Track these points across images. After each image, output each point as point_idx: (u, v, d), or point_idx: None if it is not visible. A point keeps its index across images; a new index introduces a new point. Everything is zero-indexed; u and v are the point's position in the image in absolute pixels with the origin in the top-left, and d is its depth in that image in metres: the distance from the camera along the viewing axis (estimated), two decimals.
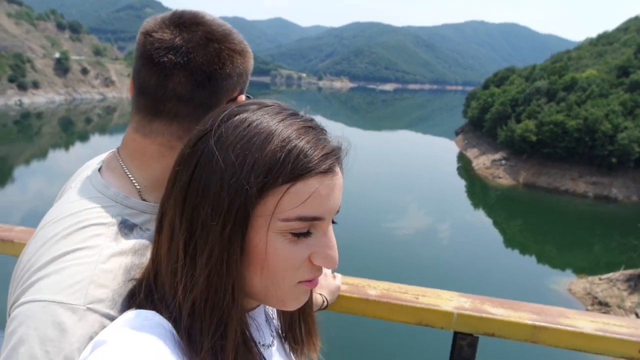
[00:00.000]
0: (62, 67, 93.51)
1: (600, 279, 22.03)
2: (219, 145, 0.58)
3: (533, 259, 26.95)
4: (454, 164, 53.94)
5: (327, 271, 1.28)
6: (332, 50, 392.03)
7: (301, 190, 0.58)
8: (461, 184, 45.47)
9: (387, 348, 13.41)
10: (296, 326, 0.82)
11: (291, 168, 0.57)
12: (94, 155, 0.96)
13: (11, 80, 79.71)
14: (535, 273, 24.28)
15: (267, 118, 0.60)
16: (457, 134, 66.64)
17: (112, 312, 0.66)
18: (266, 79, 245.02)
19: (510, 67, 71.54)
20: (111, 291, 0.67)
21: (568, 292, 21.67)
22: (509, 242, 29.40)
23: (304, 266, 0.62)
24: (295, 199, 0.57)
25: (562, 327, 1.20)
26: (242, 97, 0.87)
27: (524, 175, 43.41)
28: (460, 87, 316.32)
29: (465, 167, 50.48)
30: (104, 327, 0.63)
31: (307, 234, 0.60)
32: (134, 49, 0.84)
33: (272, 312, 0.83)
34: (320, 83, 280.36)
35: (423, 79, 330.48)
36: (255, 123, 0.59)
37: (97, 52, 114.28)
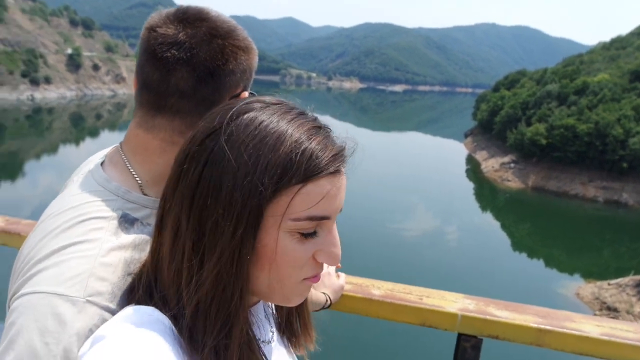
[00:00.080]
0: (74, 63, 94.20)
1: (609, 284, 21.84)
2: (229, 143, 0.58)
3: (541, 262, 26.75)
4: (462, 166, 53.86)
5: (331, 270, 1.28)
6: (342, 51, 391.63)
7: (312, 191, 0.58)
8: (469, 186, 45.31)
9: (390, 348, 13.36)
10: (293, 319, 0.83)
11: (304, 169, 0.57)
12: None
13: (24, 75, 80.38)
14: (543, 277, 24.11)
15: (276, 117, 0.60)
16: (466, 136, 66.42)
17: (112, 305, 0.66)
18: (276, 78, 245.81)
19: (521, 70, 71.19)
20: (111, 284, 0.67)
21: (576, 297, 21.50)
22: (517, 245, 29.22)
23: (308, 264, 0.63)
24: (306, 199, 0.58)
25: (567, 331, 1.19)
26: (246, 94, 0.86)
27: (533, 179, 43.18)
28: (470, 90, 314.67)
29: (474, 170, 50.32)
30: (103, 319, 0.63)
31: (313, 234, 0.61)
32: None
33: (271, 307, 0.83)
34: (330, 83, 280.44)
35: (433, 80, 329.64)
36: (266, 122, 0.59)
37: (109, 49, 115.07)
